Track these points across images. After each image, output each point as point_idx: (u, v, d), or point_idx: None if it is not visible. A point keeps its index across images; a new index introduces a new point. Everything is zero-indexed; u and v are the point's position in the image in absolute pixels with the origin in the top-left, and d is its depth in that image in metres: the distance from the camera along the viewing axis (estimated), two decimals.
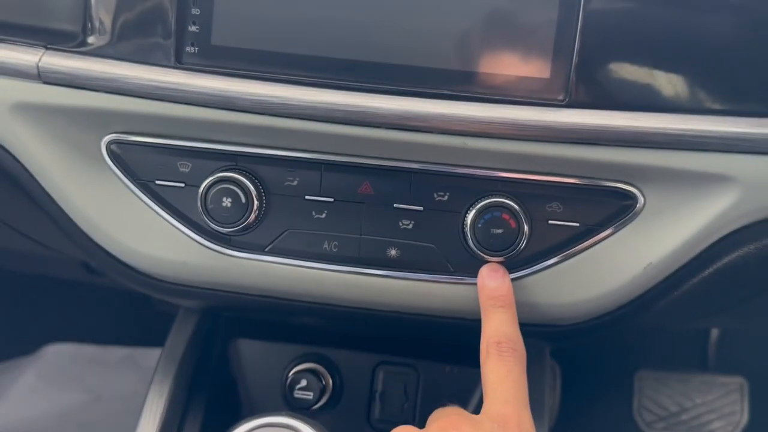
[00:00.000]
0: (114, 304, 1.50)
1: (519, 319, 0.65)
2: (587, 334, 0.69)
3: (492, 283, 0.62)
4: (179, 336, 0.78)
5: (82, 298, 1.52)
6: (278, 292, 0.66)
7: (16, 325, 1.56)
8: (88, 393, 1.50)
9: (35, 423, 1.48)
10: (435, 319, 0.68)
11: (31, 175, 0.65)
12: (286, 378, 0.79)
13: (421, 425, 0.77)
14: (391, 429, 0.77)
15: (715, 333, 1.30)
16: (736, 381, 1.29)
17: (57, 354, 1.58)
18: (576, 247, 0.62)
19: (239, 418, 0.64)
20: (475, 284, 0.63)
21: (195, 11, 0.60)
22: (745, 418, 1.28)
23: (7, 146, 0.64)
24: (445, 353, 0.79)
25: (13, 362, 1.55)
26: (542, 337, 0.70)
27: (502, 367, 0.57)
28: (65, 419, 1.47)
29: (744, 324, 1.06)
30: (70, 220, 0.66)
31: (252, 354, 0.82)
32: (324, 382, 0.78)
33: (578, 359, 1.28)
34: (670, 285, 0.64)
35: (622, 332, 1.29)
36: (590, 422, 1.28)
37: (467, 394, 0.78)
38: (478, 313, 0.65)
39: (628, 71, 0.58)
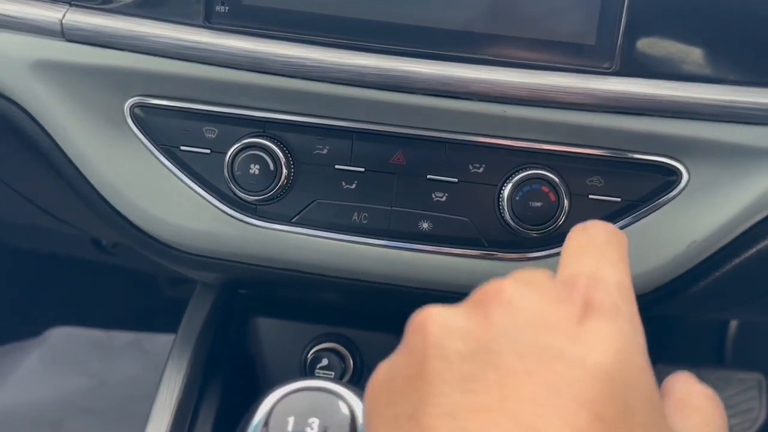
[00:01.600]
0: (121, 288, 1.48)
1: None
2: None
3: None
4: (196, 312, 0.76)
5: (88, 281, 1.49)
6: (304, 264, 0.64)
7: (21, 308, 1.53)
8: (92, 378, 1.47)
9: (38, 407, 1.46)
10: (464, 296, 0.65)
11: (50, 137, 0.63)
12: (306, 357, 0.76)
13: None
14: None
15: (732, 328, 1.28)
16: (754, 377, 1.27)
17: (61, 337, 1.55)
18: (616, 223, 0.60)
19: (257, 396, 0.62)
20: (510, 260, 0.61)
21: None
22: (762, 415, 1.26)
23: (25, 106, 0.62)
24: None
25: (17, 344, 1.53)
26: None
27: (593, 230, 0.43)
28: (68, 404, 1.45)
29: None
30: (90, 185, 0.64)
31: (270, 332, 0.79)
32: (345, 363, 0.76)
33: None
34: (711, 265, 0.62)
35: (644, 317, 1.27)
36: None
37: None
38: None
39: (676, 40, 0.56)
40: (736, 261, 0.62)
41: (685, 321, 1.24)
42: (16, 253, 1.41)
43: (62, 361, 1.54)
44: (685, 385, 0.39)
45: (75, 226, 0.87)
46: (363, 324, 0.78)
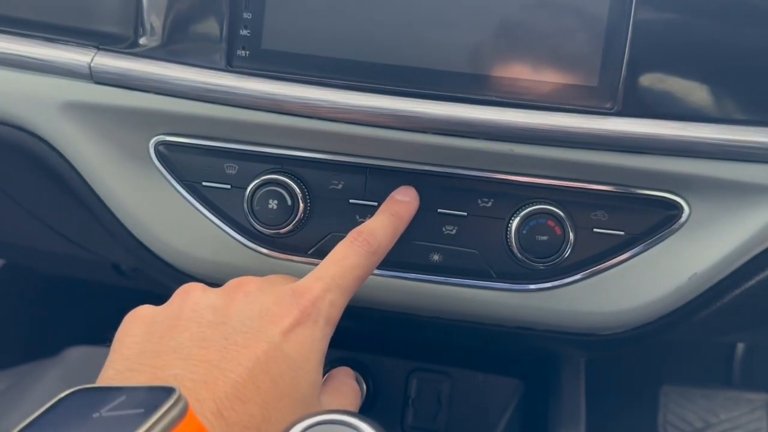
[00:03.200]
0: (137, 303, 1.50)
1: (560, 326, 0.65)
2: (626, 344, 0.69)
3: (402, 197, 0.62)
4: None
5: (106, 302, 1.52)
6: None
7: (40, 328, 1.56)
8: None
9: None
10: (474, 326, 0.68)
11: (79, 174, 0.66)
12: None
13: None
14: None
15: (740, 349, 1.30)
16: (762, 398, 1.28)
17: (79, 356, 1.58)
18: (620, 256, 0.62)
19: None
20: (519, 291, 0.63)
21: (247, 15, 0.60)
22: None
23: (55, 144, 0.65)
24: (478, 361, 0.80)
25: (36, 364, 1.55)
26: (580, 346, 0.70)
27: (344, 250, 0.56)
28: None
29: None
30: (115, 219, 0.67)
31: None
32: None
33: (603, 373, 1.27)
34: (712, 296, 0.64)
35: (648, 346, 1.29)
36: None
37: (501, 402, 0.78)
38: (520, 321, 0.66)
39: (676, 81, 0.58)
40: (737, 291, 0.64)
41: (692, 343, 1.26)
42: (37, 276, 1.44)
43: (80, 379, 1.57)
44: (340, 376, 0.58)
45: (98, 254, 0.90)
46: (375, 349, 0.81)
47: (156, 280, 0.88)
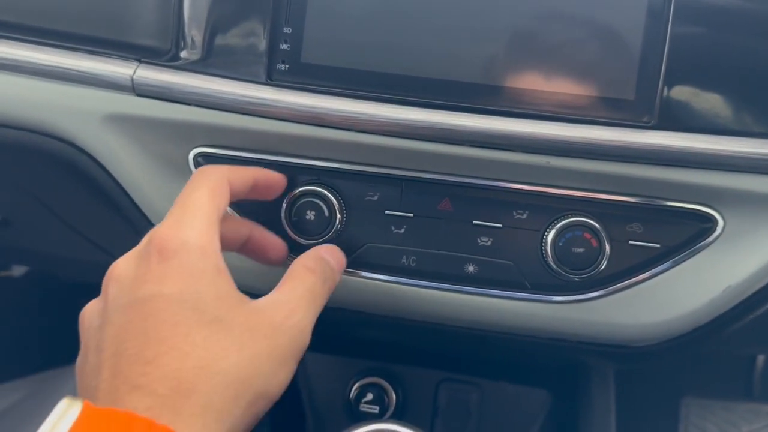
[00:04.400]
0: None
1: (594, 338, 0.66)
2: (657, 356, 0.69)
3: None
4: None
5: None
6: (356, 305, 0.67)
7: (59, 335, 1.57)
8: None
9: None
10: (507, 336, 0.68)
11: (119, 185, 0.67)
12: (350, 392, 0.79)
13: None
14: None
15: (761, 361, 1.29)
16: None
17: None
18: (655, 268, 0.63)
19: (303, 430, 0.64)
20: (554, 303, 0.64)
21: (287, 30, 0.61)
22: None
23: (96, 156, 0.66)
24: (509, 372, 0.80)
25: (56, 371, 1.56)
26: (612, 358, 0.71)
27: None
28: None
29: None
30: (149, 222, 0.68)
31: (316, 367, 0.82)
32: (388, 397, 0.79)
33: (623, 384, 1.27)
34: (746, 308, 0.64)
35: (669, 358, 1.29)
36: None
37: (530, 414, 0.78)
38: (554, 333, 0.66)
39: (712, 95, 0.59)
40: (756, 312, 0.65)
41: (714, 355, 1.25)
42: (58, 284, 1.45)
43: None
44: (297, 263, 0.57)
45: (113, 254, 0.91)
46: (405, 358, 0.81)
47: None
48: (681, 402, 1.28)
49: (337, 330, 0.81)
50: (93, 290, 1.44)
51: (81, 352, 0.51)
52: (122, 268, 0.51)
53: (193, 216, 0.52)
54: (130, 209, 0.68)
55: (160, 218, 0.67)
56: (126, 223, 0.70)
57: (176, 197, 0.62)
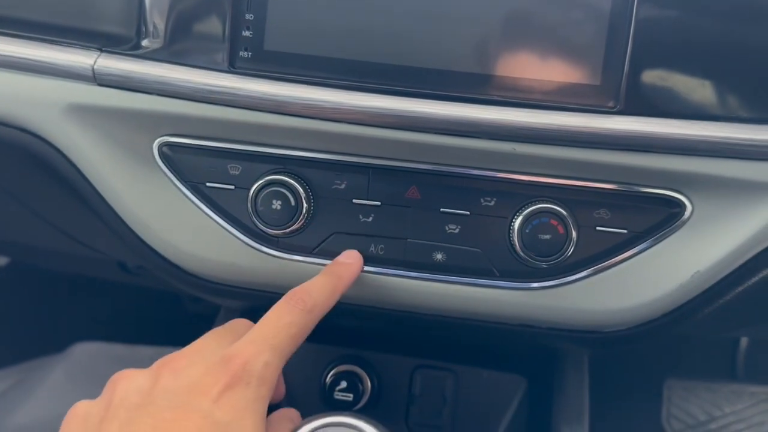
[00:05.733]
0: (144, 304, 1.51)
1: (563, 324, 0.66)
2: (629, 341, 0.69)
3: (345, 259, 0.63)
4: None
5: (111, 298, 1.53)
6: None
7: (46, 324, 1.57)
8: None
9: (60, 421, 1.50)
10: (478, 323, 0.68)
11: (84, 176, 0.66)
12: (325, 380, 0.79)
13: (458, 430, 0.78)
14: None
15: (744, 342, 1.30)
16: (766, 391, 1.28)
17: (85, 352, 1.59)
18: (623, 254, 0.62)
19: None
20: (522, 290, 0.64)
21: (249, 17, 0.60)
22: None
23: (59, 146, 0.66)
24: (483, 358, 0.80)
25: (42, 360, 1.56)
26: (583, 343, 0.70)
27: (279, 310, 0.56)
28: None
29: None
30: (120, 220, 0.67)
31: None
32: (363, 385, 0.79)
33: (607, 367, 1.28)
34: (715, 293, 0.64)
35: (652, 340, 1.29)
36: (619, 429, 1.27)
37: (505, 399, 0.78)
38: (523, 319, 0.66)
39: (679, 79, 0.58)
40: (739, 289, 0.64)
41: (696, 338, 1.26)
42: (42, 274, 1.45)
43: (87, 375, 1.58)
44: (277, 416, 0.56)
45: (104, 253, 0.91)
46: (380, 346, 0.81)
47: (162, 278, 0.88)
48: (664, 384, 1.28)
49: None
50: (73, 281, 1.44)
51: None
52: None
53: None
54: (95, 201, 0.68)
55: (126, 210, 0.67)
56: (93, 214, 0.69)
57: (141, 187, 0.61)
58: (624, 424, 1.27)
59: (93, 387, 1.59)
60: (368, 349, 0.81)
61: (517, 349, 0.79)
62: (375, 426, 0.42)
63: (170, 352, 1.52)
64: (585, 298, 0.63)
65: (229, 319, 0.81)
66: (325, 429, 0.42)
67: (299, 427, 0.42)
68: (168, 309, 1.46)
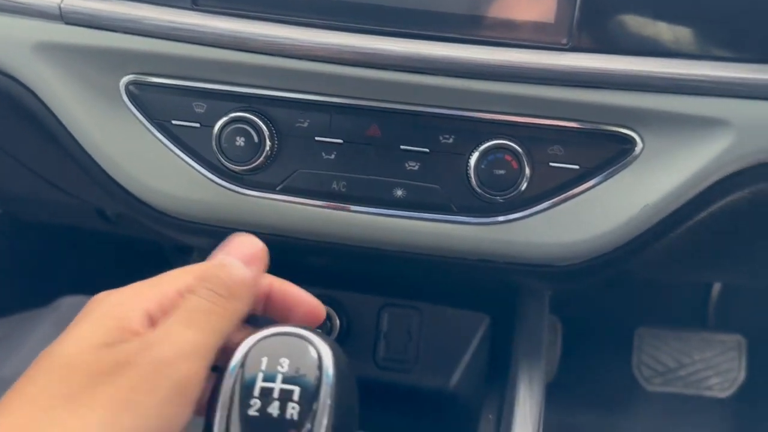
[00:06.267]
0: (128, 257, 1.53)
1: (519, 258, 0.68)
2: (584, 275, 0.71)
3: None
4: None
5: (96, 251, 1.55)
6: (289, 230, 0.69)
7: (31, 277, 1.60)
8: None
9: None
10: (440, 260, 0.70)
11: (53, 114, 0.68)
12: None
13: (423, 364, 0.81)
14: (394, 367, 0.80)
15: (715, 291, 1.33)
16: (735, 339, 1.32)
17: (72, 306, 1.61)
18: (575, 189, 0.64)
19: None
20: (479, 225, 0.66)
21: None
22: (742, 375, 1.30)
23: (29, 84, 0.67)
24: (448, 297, 0.82)
25: (30, 313, 1.59)
26: (541, 277, 0.73)
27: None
28: None
29: (752, 280, 1.07)
30: (90, 158, 0.69)
31: None
32: (332, 323, 0.82)
33: (579, 316, 1.31)
34: (665, 227, 0.66)
35: (623, 289, 1.32)
36: (590, 377, 1.31)
37: (467, 335, 0.81)
38: (481, 254, 0.68)
39: (630, 16, 0.60)
40: (690, 223, 0.67)
41: (668, 285, 1.29)
42: (26, 225, 1.47)
43: None
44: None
45: (79, 198, 0.93)
46: (348, 285, 0.84)
47: (141, 224, 0.90)
48: (634, 332, 1.31)
49: (278, 258, 0.83)
50: (59, 234, 1.45)
51: None
52: None
53: None
54: (66, 139, 0.69)
55: (95, 148, 0.69)
56: (65, 154, 0.71)
57: (109, 126, 0.62)
58: (594, 372, 1.30)
59: None
60: (337, 289, 0.84)
61: (480, 288, 0.82)
62: (321, 337, 0.45)
63: None
64: (539, 232, 0.66)
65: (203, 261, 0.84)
66: (272, 338, 0.45)
67: (245, 338, 0.44)
68: (152, 262, 1.49)
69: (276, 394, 0.42)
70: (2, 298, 1.55)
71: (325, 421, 0.42)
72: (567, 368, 1.32)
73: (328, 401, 0.43)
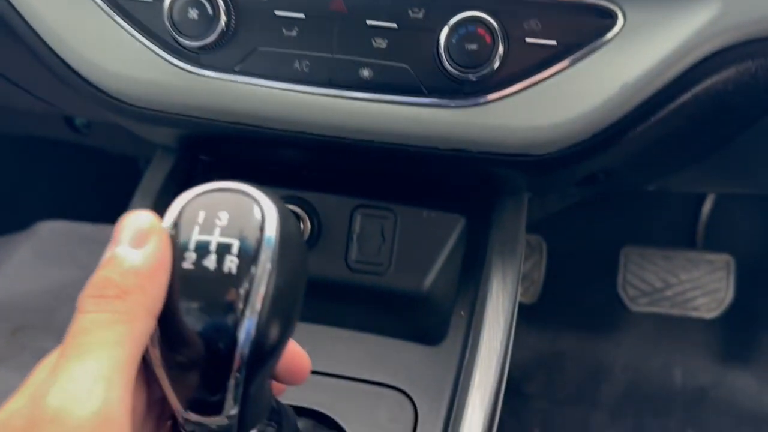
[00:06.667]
0: (103, 178, 1.50)
1: (493, 145, 0.64)
2: (563, 166, 0.68)
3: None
4: (156, 173, 0.78)
5: (72, 173, 1.52)
6: (249, 115, 0.65)
7: (9, 201, 1.56)
8: (82, 269, 1.51)
9: (30, 297, 1.51)
10: (411, 151, 0.67)
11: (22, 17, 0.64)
12: None
13: (396, 267, 0.78)
14: (367, 270, 0.77)
15: (706, 210, 1.30)
16: (723, 258, 1.29)
17: (51, 231, 1.59)
18: (552, 68, 0.60)
19: None
20: (451, 108, 0.62)
21: None
22: (729, 295, 1.29)
23: None
24: (423, 198, 0.79)
25: (8, 238, 1.56)
26: (517, 168, 0.69)
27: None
28: (60, 293, 1.49)
29: (745, 186, 1.04)
30: (40, 39, 0.65)
31: None
32: (303, 225, 0.78)
33: (565, 235, 1.28)
34: (646, 110, 0.62)
35: (610, 208, 1.29)
36: (574, 299, 1.29)
37: (442, 237, 0.78)
38: (453, 141, 0.65)
39: None
40: (672, 106, 0.63)
41: (657, 203, 1.26)
42: (3, 150, 1.43)
43: (53, 254, 1.58)
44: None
45: (45, 101, 0.89)
46: (319, 187, 0.80)
47: (112, 135, 0.86)
48: (620, 251, 1.29)
49: (246, 152, 0.79)
50: (34, 152, 1.41)
51: None
52: None
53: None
54: (13, 19, 0.65)
55: (41, 24, 0.65)
56: (13, 36, 0.66)
57: (58, 3, 0.58)
58: (578, 294, 1.28)
59: (59, 265, 1.59)
60: (308, 191, 0.80)
61: (456, 189, 0.78)
62: (268, 195, 0.41)
63: None
64: (514, 114, 0.62)
65: (166, 159, 0.80)
66: (211, 194, 0.41)
67: (184, 193, 0.41)
68: (130, 182, 1.45)
69: (212, 247, 0.39)
70: None
71: (263, 288, 0.39)
72: (551, 291, 1.30)
73: (268, 265, 0.39)
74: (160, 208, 0.77)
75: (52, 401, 0.33)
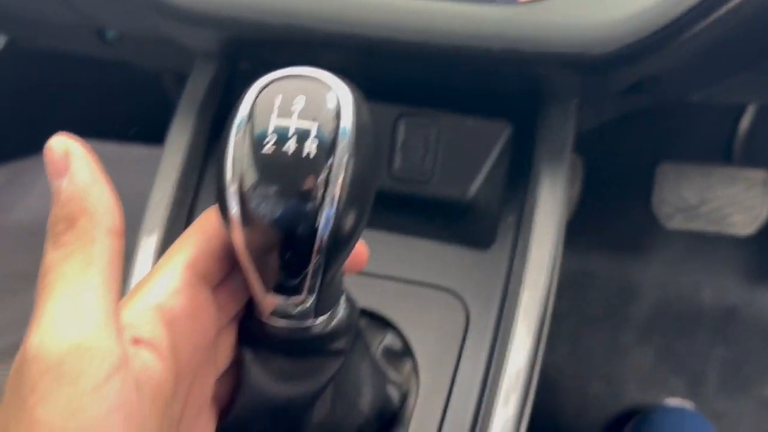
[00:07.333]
0: (128, 98, 1.49)
1: (548, 45, 0.62)
2: (616, 67, 0.66)
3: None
4: (198, 82, 0.77)
5: (97, 93, 1.50)
6: (297, 15, 0.63)
7: (36, 123, 1.56)
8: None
9: None
10: (461, 54, 0.65)
11: None
12: None
13: (440, 175, 0.77)
14: (411, 179, 0.76)
15: (744, 126, 1.27)
16: (760, 175, 1.28)
17: None
18: None
19: None
20: (509, 4, 0.60)
21: None
22: (765, 212, 1.27)
23: None
24: (468, 104, 0.77)
25: (34, 159, 1.56)
26: (570, 68, 0.67)
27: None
28: None
29: None
30: None
31: None
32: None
33: (601, 152, 1.26)
34: (706, 6, 0.60)
35: (648, 123, 1.26)
36: (609, 214, 1.28)
37: (488, 143, 0.76)
38: (510, 40, 0.63)
39: None
40: (731, 4, 0.61)
41: (694, 118, 1.23)
42: (29, 60, 1.41)
43: None
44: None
45: (78, 11, 0.87)
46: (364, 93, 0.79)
47: (142, 47, 0.85)
48: (657, 169, 1.27)
49: (285, 59, 0.78)
50: (60, 69, 1.39)
51: None
52: None
53: None
54: None
55: None
56: None
57: None
58: (613, 208, 1.28)
59: None
60: None
61: (502, 95, 0.77)
62: (342, 79, 0.40)
63: (161, 152, 1.50)
64: (572, 12, 0.60)
65: (207, 68, 0.79)
66: (285, 81, 0.40)
67: (254, 82, 0.40)
68: (158, 108, 1.44)
69: (291, 132, 0.38)
70: (3, 142, 1.52)
71: (341, 176, 0.38)
72: (585, 209, 1.29)
73: (346, 153, 0.38)
74: (206, 115, 0.77)
75: (33, 341, 0.34)
